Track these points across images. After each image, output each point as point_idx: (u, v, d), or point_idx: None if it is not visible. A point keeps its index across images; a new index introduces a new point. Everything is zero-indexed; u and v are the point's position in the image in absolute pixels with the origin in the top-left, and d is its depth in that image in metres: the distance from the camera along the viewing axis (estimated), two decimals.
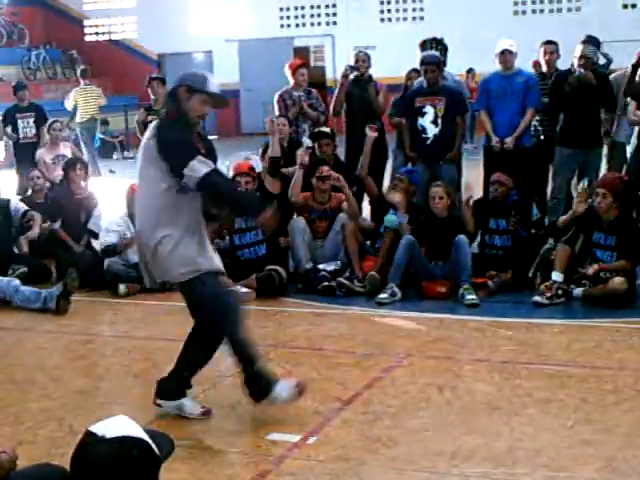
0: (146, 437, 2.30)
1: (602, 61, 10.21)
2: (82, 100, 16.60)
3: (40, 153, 11.03)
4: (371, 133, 8.45)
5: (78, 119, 16.52)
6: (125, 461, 2.23)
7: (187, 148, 4.62)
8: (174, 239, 4.69)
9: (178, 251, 4.70)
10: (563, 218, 7.45)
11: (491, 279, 7.34)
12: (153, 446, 2.31)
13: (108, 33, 26.25)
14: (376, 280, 7.30)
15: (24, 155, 11.49)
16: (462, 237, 7.23)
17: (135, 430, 2.30)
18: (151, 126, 4.84)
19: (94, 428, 2.29)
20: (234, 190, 4.84)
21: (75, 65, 24.73)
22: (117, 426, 2.29)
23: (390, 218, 7.63)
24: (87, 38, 26.36)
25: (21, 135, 11.93)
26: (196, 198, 4.74)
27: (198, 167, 4.55)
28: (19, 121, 11.91)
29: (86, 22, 26.37)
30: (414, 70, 9.56)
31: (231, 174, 8.08)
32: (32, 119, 11.92)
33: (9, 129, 11.92)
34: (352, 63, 9.56)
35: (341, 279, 7.45)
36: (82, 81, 17.09)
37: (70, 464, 2.29)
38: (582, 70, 8.21)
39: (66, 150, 11.10)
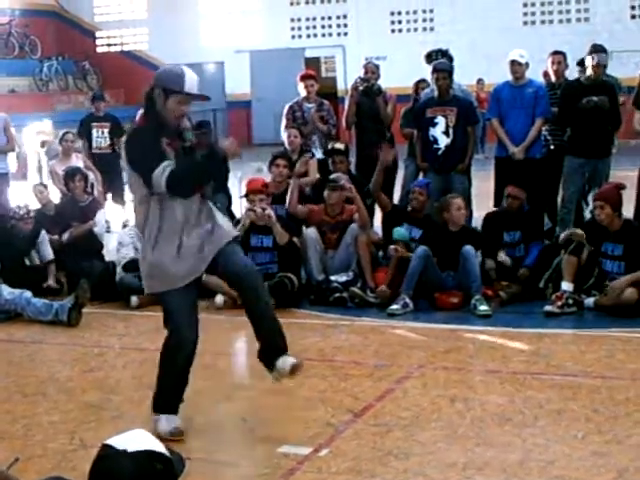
0: (167, 452, 2.29)
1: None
2: None
3: (52, 164, 11.06)
4: (387, 157, 8.31)
5: None
6: (149, 476, 2.23)
7: (148, 160, 4.49)
8: (149, 246, 4.63)
9: (147, 260, 4.66)
10: (563, 235, 7.45)
11: (502, 290, 7.33)
12: (173, 461, 2.31)
13: (120, 44, 26.37)
14: (386, 294, 7.30)
15: (99, 167, 11.45)
16: (469, 248, 7.23)
17: (155, 444, 2.29)
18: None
19: (113, 442, 2.28)
20: (196, 168, 4.60)
21: (87, 76, 24.88)
22: (137, 440, 2.28)
23: (400, 231, 7.63)
24: (99, 49, 26.49)
25: (94, 145, 11.91)
26: (182, 201, 4.60)
27: (158, 180, 4.44)
28: (93, 130, 11.91)
29: (98, 33, 26.52)
30: (422, 80, 9.58)
31: (244, 191, 8.08)
32: (107, 129, 11.90)
33: (80, 141, 11.89)
34: (362, 74, 9.57)
35: (354, 289, 7.45)
36: None
37: (89, 478, 2.27)
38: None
39: (78, 161, 11.14)
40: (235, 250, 4.82)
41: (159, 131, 4.58)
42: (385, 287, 7.37)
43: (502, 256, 7.54)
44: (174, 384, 4.80)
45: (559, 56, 9.10)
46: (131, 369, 6.30)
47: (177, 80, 4.54)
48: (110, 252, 8.60)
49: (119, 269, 8.05)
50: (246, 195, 7.94)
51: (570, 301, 6.87)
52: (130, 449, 2.24)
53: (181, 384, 4.81)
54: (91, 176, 10.63)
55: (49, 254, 8.43)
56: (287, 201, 8.11)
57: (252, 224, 7.80)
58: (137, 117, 4.69)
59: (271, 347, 4.77)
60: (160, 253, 4.60)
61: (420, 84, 9.64)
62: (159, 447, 2.29)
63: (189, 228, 4.62)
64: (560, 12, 21.71)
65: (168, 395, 4.81)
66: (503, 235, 7.73)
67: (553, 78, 9.11)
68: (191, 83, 4.56)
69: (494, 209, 8.23)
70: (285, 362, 4.72)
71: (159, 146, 4.54)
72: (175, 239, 4.60)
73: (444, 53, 9.06)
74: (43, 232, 8.50)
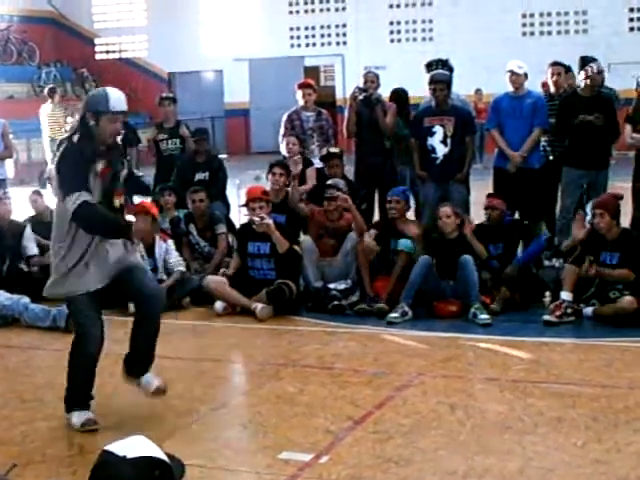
0: (166, 458, 2.29)
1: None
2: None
3: (50, 170, 11.04)
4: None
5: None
6: None
7: (71, 182, 4.78)
8: (62, 252, 4.93)
9: (57, 266, 4.97)
10: (566, 243, 7.47)
11: (494, 301, 7.33)
12: (172, 468, 2.30)
13: (118, 51, 26.41)
14: (384, 310, 7.31)
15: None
16: (466, 256, 7.24)
17: (155, 451, 2.29)
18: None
19: (112, 448, 2.27)
20: (102, 221, 4.90)
21: (85, 83, 24.89)
22: (137, 446, 2.28)
23: (405, 242, 7.64)
24: (98, 56, 26.51)
25: None
26: None
27: (68, 204, 4.73)
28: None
29: (97, 40, 26.54)
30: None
31: (244, 198, 8.10)
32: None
33: None
34: (361, 83, 9.58)
35: (361, 306, 7.45)
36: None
37: None
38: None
39: None
40: (147, 273, 5.33)
41: (93, 156, 4.86)
42: (384, 303, 7.36)
43: (485, 275, 7.50)
44: (83, 380, 5.09)
45: (558, 67, 9.14)
46: None
47: (102, 100, 4.89)
48: None
49: None
50: (246, 204, 7.94)
51: (569, 310, 6.88)
52: (130, 455, 2.24)
53: (90, 380, 5.11)
54: None
55: (32, 249, 8.43)
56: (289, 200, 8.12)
57: (250, 231, 7.81)
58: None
59: (141, 361, 5.24)
60: (72, 258, 4.91)
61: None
62: (159, 453, 2.29)
63: (99, 240, 4.93)
64: (559, 23, 21.80)
65: (78, 391, 5.08)
66: (489, 247, 7.70)
67: (552, 89, 9.13)
68: (115, 101, 4.90)
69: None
70: (152, 382, 5.16)
71: (87, 171, 4.83)
72: (85, 247, 4.90)
73: (444, 63, 9.06)
74: (28, 229, 8.50)
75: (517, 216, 8.35)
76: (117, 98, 4.91)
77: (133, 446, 2.27)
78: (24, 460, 4.40)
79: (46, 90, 17.20)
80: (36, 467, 4.43)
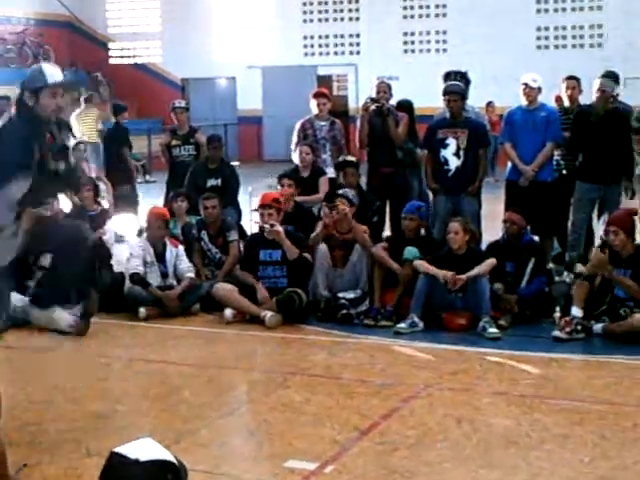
0: (176, 462, 2.30)
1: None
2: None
3: None
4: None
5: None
6: None
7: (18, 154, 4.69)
8: None
9: None
10: (580, 268, 7.40)
11: (502, 316, 7.31)
12: (182, 470, 2.32)
13: (133, 57, 26.50)
14: (389, 326, 7.31)
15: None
16: None
17: (165, 454, 2.30)
18: None
19: (122, 450, 2.28)
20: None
21: (99, 87, 24.96)
22: (148, 449, 2.29)
23: (411, 250, 7.63)
24: (111, 61, 26.61)
25: None
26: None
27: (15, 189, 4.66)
28: None
29: (111, 45, 26.64)
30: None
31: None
32: None
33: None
34: (374, 94, 9.58)
35: (368, 321, 7.44)
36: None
37: None
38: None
39: (91, 172, 11.18)
40: None
41: (34, 130, 4.77)
42: (391, 316, 7.36)
43: (497, 286, 7.47)
44: None
45: (573, 81, 9.14)
46: (137, 380, 6.30)
47: (38, 76, 4.83)
48: (120, 262, 8.59)
49: (127, 281, 8.07)
50: (257, 209, 7.99)
51: (579, 327, 6.86)
52: (142, 458, 2.24)
53: None
54: (102, 187, 10.67)
55: None
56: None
57: (262, 238, 7.83)
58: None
59: None
60: None
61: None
62: (169, 457, 2.29)
63: None
64: (574, 37, 21.76)
65: None
66: (505, 265, 7.65)
67: (567, 103, 9.13)
68: (52, 75, 4.85)
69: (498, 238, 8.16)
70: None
71: (30, 144, 4.74)
72: None
73: (462, 75, 9.07)
74: None
75: (534, 236, 8.28)
76: (52, 72, 4.88)
77: (143, 449, 2.28)
78: (33, 461, 4.42)
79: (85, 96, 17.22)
80: (45, 468, 4.44)
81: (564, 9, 21.71)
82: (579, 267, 7.38)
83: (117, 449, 2.28)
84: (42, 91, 4.79)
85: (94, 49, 26.38)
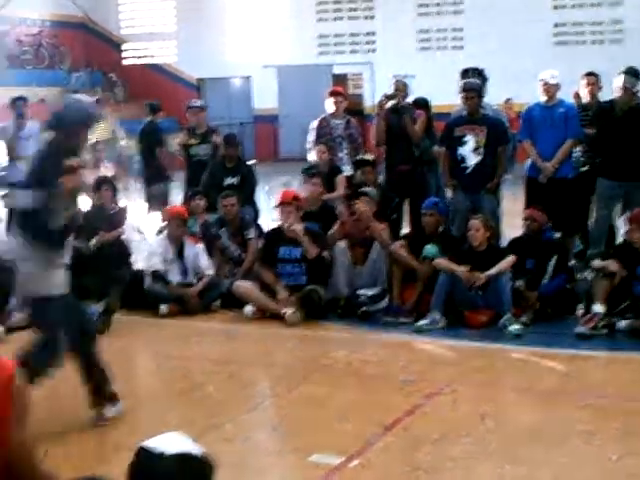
0: (202, 454, 2.30)
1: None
2: None
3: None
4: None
5: None
6: (188, 477, 2.23)
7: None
8: None
9: None
10: (599, 264, 7.36)
11: (524, 313, 7.28)
12: (209, 464, 2.31)
13: (147, 57, 26.55)
14: (408, 323, 7.31)
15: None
16: None
17: (192, 447, 2.30)
18: None
19: (149, 444, 2.27)
20: None
21: (114, 88, 25.04)
22: (175, 442, 2.29)
23: (431, 249, 7.61)
24: (126, 62, 26.66)
25: None
26: None
27: None
28: None
29: (125, 46, 26.69)
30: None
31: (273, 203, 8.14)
32: None
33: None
34: (390, 91, 9.57)
35: (387, 318, 7.44)
36: None
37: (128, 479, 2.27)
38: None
39: (108, 172, 11.19)
40: None
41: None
42: (410, 313, 7.35)
43: (519, 282, 7.44)
44: None
45: (592, 77, 9.09)
46: (160, 376, 6.33)
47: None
48: (139, 260, 8.61)
49: (148, 278, 8.09)
50: (277, 206, 8.00)
51: (602, 323, 6.82)
52: (168, 451, 2.25)
53: None
54: (120, 186, 10.67)
55: None
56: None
57: (281, 235, 7.83)
58: None
59: None
60: None
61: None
62: (195, 449, 2.30)
63: None
64: (593, 33, 21.62)
65: None
66: (526, 262, 7.62)
67: (586, 99, 9.09)
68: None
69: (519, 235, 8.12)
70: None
71: None
72: None
73: (480, 72, 9.04)
74: None
75: (556, 233, 8.25)
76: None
77: (170, 442, 2.28)
78: (59, 453, 4.42)
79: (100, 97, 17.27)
80: (71, 462, 4.45)
81: (582, 5, 21.58)
82: (597, 262, 7.32)
83: (144, 443, 2.28)
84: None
85: (108, 50, 26.44)
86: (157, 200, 11.04)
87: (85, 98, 5.45)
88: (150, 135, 11.66)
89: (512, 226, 8.60)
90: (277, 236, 7.96)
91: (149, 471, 2.25)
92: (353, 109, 16.52)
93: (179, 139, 11.06)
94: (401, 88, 9.50)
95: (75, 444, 4.81)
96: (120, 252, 8.78)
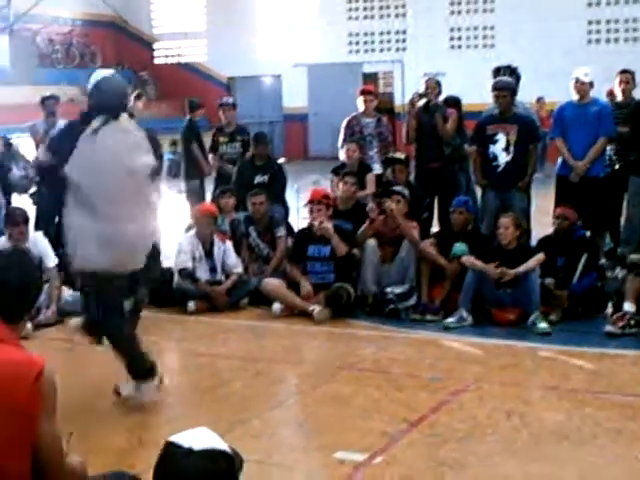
0: (230, 450, 2.30)
1: None
2: None
3: None
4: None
5: None
6: (215, 473, 2.23)
7: None
8: None
9: None
10: (633, 258, 7.29)
11: (552, 311, 7.24)
12: (236, 460, 2.32)
13: (178, 56, 26.68)
14: (436, 320, 7.30)
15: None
16: None
17: (220, 442, 2.30)
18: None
19: (177, 440, 2.27)
20: None
21: (145, 87, 25.18)
22: (202, 438, 2.29)
23: (460, 247, 7.59)
24: (157, 61, 26.82)
25: None
26: None
27: None
28: None
29: (156, 45, 26.85)
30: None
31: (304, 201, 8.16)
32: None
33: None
34: (421, 90, 9.57)
35: (415, 316, 7.44)
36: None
37: (155, 475, 2.27)
38: None
39: None
40: None
41: None
42: (438, 311, 7.36)
43: (548, 280, 7.39)
44: None
45: (627, 75, 9.01)
46: (187, 373, 6.37)
47: None
48: (168, 258, 8.65)
49: (176, 275, 8.13)
50: (307, 204, 8.03)
51: (632, 322, 6.77)
52: (196, 447, 2.25)
53: None
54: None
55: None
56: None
57: (311, 234, 7.85)
58: None
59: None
60: None
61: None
62: (223, 445, 2.30)
63: None
64: (627, 30, 21.40)
65: None
66: (556, 259, 7.58)
67: (620, 97, 9.02)
68: None
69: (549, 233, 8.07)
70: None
71: None
72: None
73: (513, 70, 9.00)
74: None
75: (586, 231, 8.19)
76: None
77: (198, 438, 2.28)
78: (85, 449, 4.45)
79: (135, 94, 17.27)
80: (97, 457, 4.47)
81: (617, 2, 21.37)
82: (633, 256, 7.25)
83: (172, 438, 2.29)
84: None
85: (139, 49, 26.61)
86: (192, 196, 11.09)
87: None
88: (188, 133, 11.72)
89: (542, 225, 8.56)
90: (306, 235, 7.98)
91: (177, 466, 2.25)
92: (383, 107, 16.52)
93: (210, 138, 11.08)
94: (433, 86, 9.48)
95: (101, 439, 4.85)
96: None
